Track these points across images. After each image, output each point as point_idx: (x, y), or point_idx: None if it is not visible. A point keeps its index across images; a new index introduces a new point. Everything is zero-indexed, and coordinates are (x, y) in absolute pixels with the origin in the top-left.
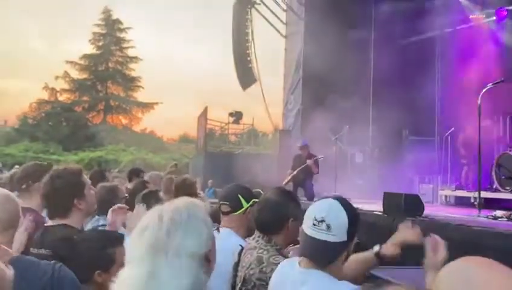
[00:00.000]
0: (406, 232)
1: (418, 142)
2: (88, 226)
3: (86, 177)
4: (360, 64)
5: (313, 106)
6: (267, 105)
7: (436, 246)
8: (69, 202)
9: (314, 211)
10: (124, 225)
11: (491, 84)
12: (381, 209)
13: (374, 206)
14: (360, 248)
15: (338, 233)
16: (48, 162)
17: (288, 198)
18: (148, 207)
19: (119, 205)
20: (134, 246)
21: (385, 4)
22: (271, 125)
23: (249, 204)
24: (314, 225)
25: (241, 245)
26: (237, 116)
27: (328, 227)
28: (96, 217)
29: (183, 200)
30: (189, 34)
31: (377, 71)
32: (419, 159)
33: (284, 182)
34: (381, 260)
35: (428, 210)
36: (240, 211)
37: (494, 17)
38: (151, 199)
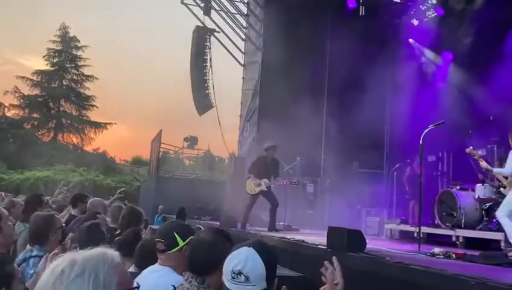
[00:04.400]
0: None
1: (367, 175)
2: (20, 257)
3: (2, 209)
4: (314, 97)
5: (268, 135)
6: (223, 131)
7: (333, 277)
8: None
9: (231, 262)
10: None
11: (432, 125)
12: (326, 243)
13: (320, 238)
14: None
15: (257, 282)
16: None
17: (221, 238)
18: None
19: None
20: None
21: (340, 37)
22: (227, 151)
23: (185, 242)
24: (233, 277)
25: (173, 285)
26: (192, 141)
27: (247, 278)
28: (28, 247)
29: (95, 252)
30: (148, 56)
31: (330, 105)
32: (368, 191)
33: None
34: None
35: (372, 244)
36: (175, 249)
37: (440, 59)
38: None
